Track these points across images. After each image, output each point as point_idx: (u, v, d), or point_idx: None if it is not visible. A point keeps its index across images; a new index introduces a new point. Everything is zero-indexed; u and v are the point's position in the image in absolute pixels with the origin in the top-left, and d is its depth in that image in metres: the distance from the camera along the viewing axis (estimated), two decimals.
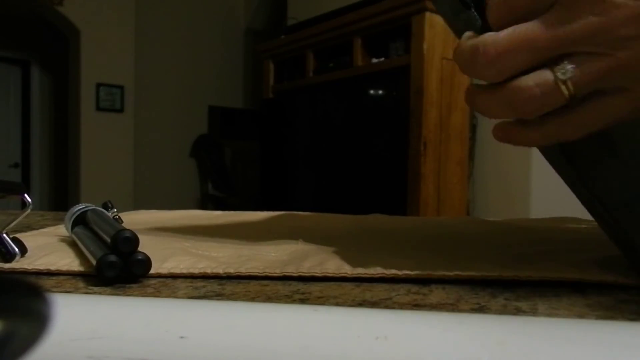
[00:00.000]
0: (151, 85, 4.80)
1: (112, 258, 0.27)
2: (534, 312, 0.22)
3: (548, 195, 2.28)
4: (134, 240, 0.28)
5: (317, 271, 0.28)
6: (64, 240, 0.39)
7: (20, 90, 5.45)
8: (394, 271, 0.27)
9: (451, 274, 0.26)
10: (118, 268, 0.27)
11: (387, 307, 0.22)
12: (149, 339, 0.15)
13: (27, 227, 0.50)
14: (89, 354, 0.13)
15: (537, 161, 2.35)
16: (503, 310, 0.22)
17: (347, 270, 0.28)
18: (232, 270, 0.29)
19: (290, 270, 0.28)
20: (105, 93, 4.52)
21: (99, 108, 4.49)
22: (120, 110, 4.60)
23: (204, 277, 0.29)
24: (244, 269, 0.29)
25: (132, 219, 0.56)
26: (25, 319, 0.12)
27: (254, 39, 5.14)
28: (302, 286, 0.27)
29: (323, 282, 0.27)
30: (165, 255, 0.32)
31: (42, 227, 0.49)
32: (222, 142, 5.08)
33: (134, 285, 0.27)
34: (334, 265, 0.29)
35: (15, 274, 0.29)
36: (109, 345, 0.14)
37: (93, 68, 4.44)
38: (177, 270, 0.29)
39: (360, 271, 0.28)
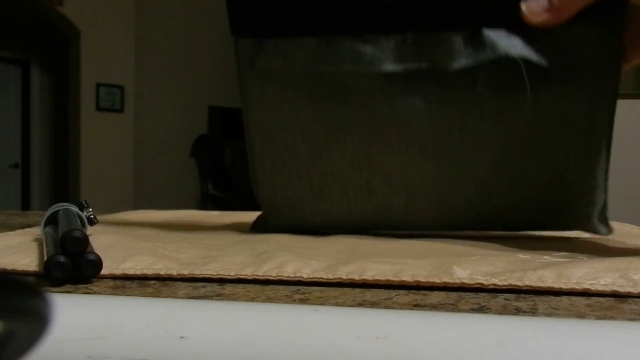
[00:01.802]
0: (151, 85, 4.80)
1: (61, 258, 0.26)
2: (534, 312, 0.22)
3: None
4: (82, 240, 0.27)
5: (273, 274, 0.28)
6: (36, 240, 0.39)
7: (20, 90, 5.46)
8: (350, 276, 0.27)
9: (439, 282, 0.26)
10: (67, 269, 0.26)
11: (387, 307, 0.22)
12: (149, 339, 0.15)
13: (27, 227, 0.50)
14: (89, 354, 0.13)
15: None
16: (503, 310, 0.22)
17: (303, 273, 0.27)
18: (185, 272, 0.28)
19: (247, 273, 0.28)
20: (105, 93, 4.53)
21: (99, 108, 4.50)
22: (120, 110, 4.61)
23: (158, 278, 0.28)
24: (198, 271, 0.28)
25: (120, 219, 0.56)
26: (25, 319, 0.12)
27: None
28: (302, 286, 0.27)
29: (319, 284, 0.27)
30: (126, 256, 0.31)
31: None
32: (222, 142, 5.08)
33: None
34: (293, 267, 0.28)
35: (15, 274, 0.29)
36: (109, 345, 0.14)
37: (93, 68, 4.45)
38: (131, 272, 0.29)
39: (317, 275, 0.27)
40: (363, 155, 0.40)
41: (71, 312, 0.17)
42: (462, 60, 0.37)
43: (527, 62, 0.36)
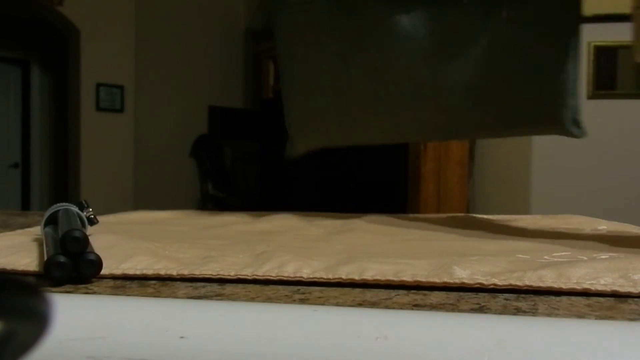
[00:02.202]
0: (151, 85, 4.80)
1: (61, 258, 0.26)
2: (534, 312, 0.22)
3: (548, 195, 2.28)
4: (82, 240, 0.27)
5: (273, 274, 0.28)
6: (36, 240, 0.39)
7: (20, 90, 5.45)
8: (349, 276, 0.27)
9: (439, 282, 0.26)
10: (67, 269, 0.26)
11: (387, 307, 0.22)
12: (149, 339, 0.15)
13: (27, 227, 0.50)
14: (89, 354, 0.13)
15: (537, 161, 2.35)
16: (503, 310, 0.22)
17: (303, 273, 0.27)
18: (186, 272, 0.28)
19: (247, 273, 0.28)
20: (105, 93, 4.52)
21: (99, 108, 4.49)
22: (120, 110, 4.60)
23: (158, 278, 0.28)
24: (198, 271, 0.28)
25: (120, 219, 0.55)
26: (25, 319, 0.12)
27: (253, 39, 5.14)
28: (302, 286, 0.27)
29: (319, 284, 0.27)
30: (126, 256, 0.31)
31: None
32: (222, 142, 5.08)
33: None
34: (293, 267, 0.28)
35: (15, 274, 0.29)
36: (109, 345, 0.14)
37: (93, 68, 4.44)
38: (131, 272, 0.29)
39: (317, 275, 0.27)
40: (374, 70, 0.48)
41: (71, 312, 0.17)
42: None
43: None
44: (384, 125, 0.49)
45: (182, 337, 0.15)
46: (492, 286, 0.25)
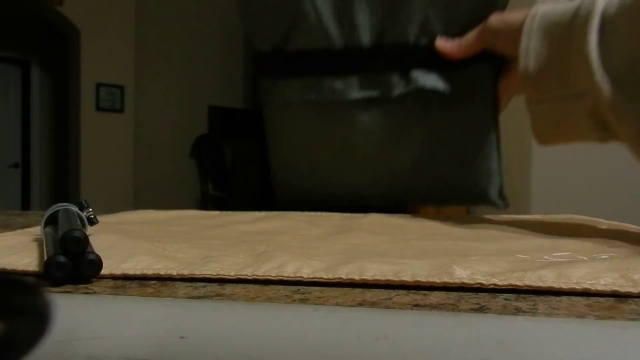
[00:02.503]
0: (151, 85, 4.80)
1: (61, 258, 0.26)
2: (534, 312, 0.22)
3: (548, 195, 2.29)
4: (82, 240, 0.27)
5: (273, 274, 0.28)
6: (36, 240, 0.39)
7: (20, 90, 5.45)
8: (350, 276, 0.27)
9: (439, 282, 0.26)
10: (67, 269, 0.26)
11: (387, 307, 0.22)
12: (149, 339, 0.15)
13: (27, 227, 0.50)
14: (89, 354, 0.13)
15: (537, 161, 2.35)
16: (503, 310, 0.22)
17: (303, 273, 0.27)
18: (186, 272, 0.28)
19: (247, 273, 0.28)
20: (105, 93, 4.52)
21: (99, 108, 4.50)
22: (120, 110, 4.61)
23: (158, 278, 0.28)
24: (198, 271, 0.28)
25: (120, 219, 0.55)
26: (25, 319, 0.12)
27: None
28: (302, 286, 0.27)
29: (319, 284, 0.27)
30: (126, 256, 0.31)
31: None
32: (222, 142, 5.08)
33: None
34: (293, 267, 0.28)
35: (15, 274, 0.29)
36: (109, 345, 0.14)
37: (93, 68, 4.45)
38: (131, 272, 0.29)
39: (317, 275, 0.27)
40: (343, 148, 0.62)
41: (71, 312, 0.17)
42: (398, 90, 0.58)
43: (437, 90, 0.57)
44: (351, 185, 0.63)
45: (182, 337, 0.15)
46: (492, 286, 0.25)
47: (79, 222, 0.35)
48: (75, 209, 0.39)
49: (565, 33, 0.44)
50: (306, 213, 0.62)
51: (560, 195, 2.23)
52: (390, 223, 0.53)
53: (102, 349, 0.14)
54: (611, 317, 0.21)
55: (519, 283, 0.25)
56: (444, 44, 0.55)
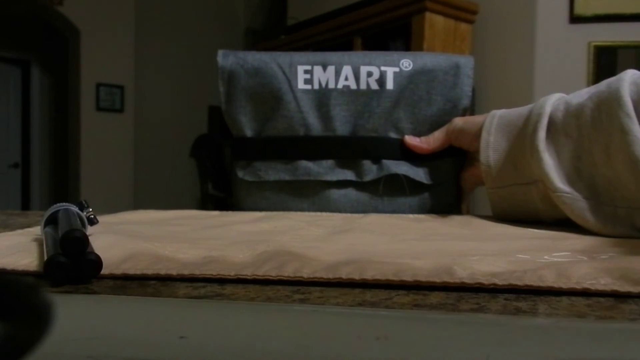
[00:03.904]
0: (151, 85, 4.80)
1: (61, 259, 0.26)
2: (534, 312, 0.22)
3: None
4: (82, 240, 0.27)
5: (273, 274, 0.27)
6: (36, 240, 0.38)
7: (20, 90, 5.45)
8: (351, 276, 0.27)
9: (439, 282, 0.26)
10: (67, 269, 0.26)
11: (387, 307, 0.22)
12: (149, 339, 0.15)
13: (27, 227, 0.50)
14: (89, 354, 0.13)
15: None
16: (503, 310, 0.22)
17: (303, 273, 0.27)
18: (186, 272, 0.28)
19: (246, 273, 0.28)
20: (105, 93, 4.52)
21: (99, 108, 4.50)
22: (120, 110, 4.60)
23: (158, 278, 0.28)
24: (198, 271, 0.28)
25: (120, 219, 0.55)
26: (25, 319, 0.12)
27: (254, 39, 5.14)
28: (302, 286, 0.27)
29: (319, 284, 0.27)
30: (126, 256, 0.31)
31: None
32: (222, 142, 5.07)
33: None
34: (293, 267, 0.28)
35: (15, 274, 0.29)
36: (109, 345, 0.14)
37: (93, 68, 4.45)
38: (131, 271, 0.29)
39: (317, 275, 0.27)
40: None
41: (71, 312, 0.17)
42: (370, 175, 0.63)
43: (407, 176, 0.63)
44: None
45: (182, 337, 0.15)
46: (492, 286, 0.25)
47: (79, 222, 0.35)
48: (75, 209, 0.39)
49: (519, 129, 0.52)
50: (306, 213, 0.62)
51: None
52: (390, 223, 0.53)
53: (102, 349, 0.14)
54: (611, 317, 0.21)
55: (519, 283, 0.25)
56: (411, 141, 0.63)
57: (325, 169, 0.63)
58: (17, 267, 0.30)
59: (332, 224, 0.51)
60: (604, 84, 0.46)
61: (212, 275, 0.28)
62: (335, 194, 0.64)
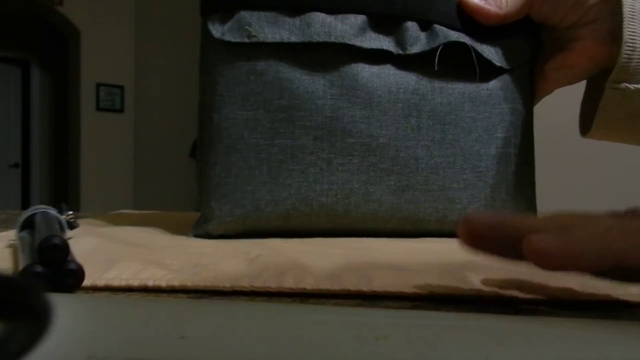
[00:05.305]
0: (151, 85, 4.80)
1: (38, 268, 0.23)
2: (534, 312, 0.22)
3: (549, 195, 2.28)
4: (62, 247, 0.24)
5: (273, 285, 0.25)
6: (11, 246, 0.35)
7: (20, 90, 5.45)
8: (357, 287, 0.25)
9: (457, 293, 0.25)
10: (45, 279, 0.23)
11: (387, 307, 0.22)
12: (149, 339, 0.15)
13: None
14: (89, 354, 0.13)
15: (538, 160, 2.34)
16: (503, 310, 0.22)
17: (306, 284, 0.25)
18: (176, 284, 0.25)
19: (244, 284, 0.25)
20: (105, 93, 4.52)
21: (99, 108, 4.50)
22: (120, 110, 4.61)
23: (145, 290, 0.25)
24: (190, 282, 0.25)
25: (102, 221, 0.53)
26: (25, 319, 0.12)
27: None
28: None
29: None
30: (109, 262, 0.28)
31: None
32: None
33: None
34: (293, 277, 0.26)
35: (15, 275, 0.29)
36: (109, 345, 0.14)
37: (93, 68, 4.45)
38: (115, 282, 0.25)
39: (322, 286, 0.25)
40: (327, 131, 0.42)
41: (71, 312, 0.17)
42: (418, 45, 0.42)
43: (475, 50, 0.43)
44: (332, 199, 0.43)
45: (182, 337, 0.15)
46: (509, 297, 0.24)
47: (57, 227, 0.32)
48: (54, 212, 0.36)
49: None
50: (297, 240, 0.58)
51: (561, 195, 2.23)
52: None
53: (102, 349, 0.14)
54: (611, 317, 0.21)
55: (521, 290, 0.25)
56: (476, 2, 0.42)
57: (352, 28, 0.41)
58: None
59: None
60: None
61: (205, 287, 0.25)
62: (366, 71, 0.42)
